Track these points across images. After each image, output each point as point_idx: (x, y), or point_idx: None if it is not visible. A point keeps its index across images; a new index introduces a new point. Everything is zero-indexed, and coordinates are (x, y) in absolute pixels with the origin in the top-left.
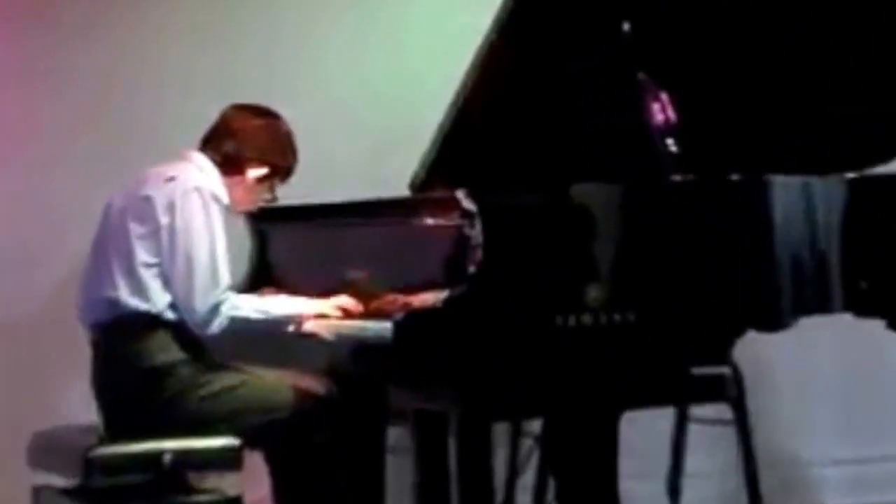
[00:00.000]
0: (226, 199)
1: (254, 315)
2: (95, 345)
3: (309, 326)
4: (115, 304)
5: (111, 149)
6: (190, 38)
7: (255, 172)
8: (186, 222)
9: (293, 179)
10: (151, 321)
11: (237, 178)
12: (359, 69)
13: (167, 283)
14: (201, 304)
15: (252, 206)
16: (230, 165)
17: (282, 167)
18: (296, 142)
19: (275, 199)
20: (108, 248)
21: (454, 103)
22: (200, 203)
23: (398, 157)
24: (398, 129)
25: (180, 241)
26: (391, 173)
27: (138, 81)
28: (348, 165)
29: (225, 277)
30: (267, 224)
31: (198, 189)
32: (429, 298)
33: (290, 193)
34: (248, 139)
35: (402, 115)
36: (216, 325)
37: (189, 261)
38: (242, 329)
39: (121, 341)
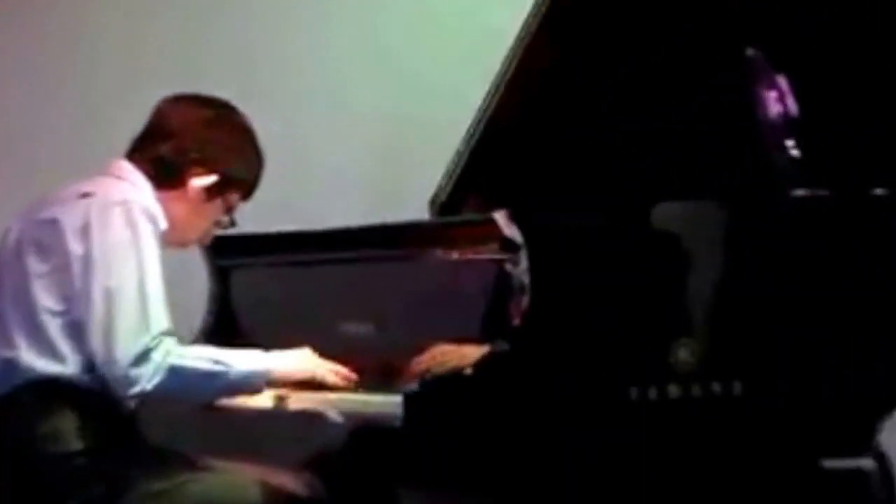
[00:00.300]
0: (163, 222)
1: (204, 366)
2: None
3: (298, 402)
4: (11, 367)
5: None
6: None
7: (199, 182)
8: (106, 247)
9: (267, 197)
10: (61, 390)
11: (176, 192)
12: (367, 61)
13: (81, 334)
14: (124, 352)
15: (200, 235)
16: (167, 175)
17: (237, 176)
18: (259, 144)
19: (231, 222)
20: (2, 292)
21: (487, 102)
22: (124, 220)
23: (414, 168)
24: (414, 134)
25: (98, 272)
26: (404, 189)
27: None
28: (348, 179)
29: (159, 319)
30: (230, 258)
31: (123, 203)
32: (454, 360)
33: (265, 217)
34: (189, 138)
35: (420, 118)
36: (146, 380)
37: (109, 296)
38: (185, 391)
39: (19, 419)
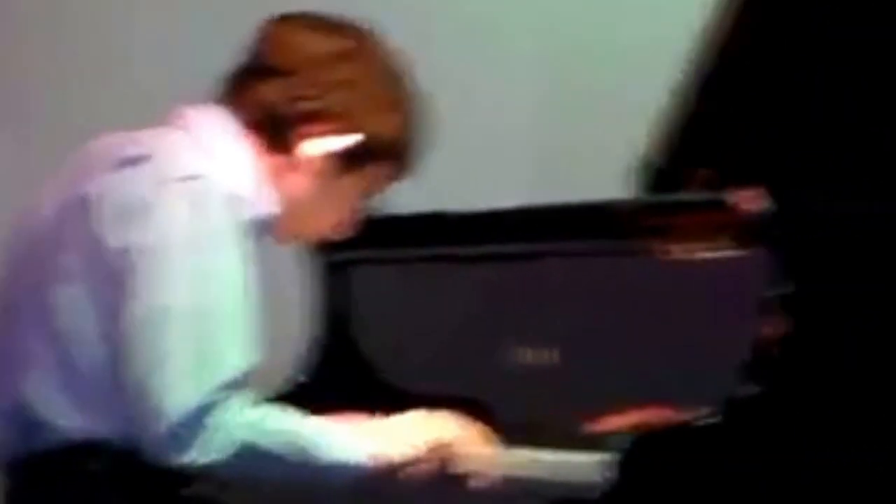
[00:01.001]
0: (262, 206)
1: (282, 449)
2: (6, 491)
3: (461, 464)
4: (27, 422)
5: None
6: None
7: (315, 146)
8: (156, 245)
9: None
10: (88, 455)
11: (287, 159)
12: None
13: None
14: (169, 404)
15: (325, 225)
16: (273, 132)
17: (380, 140)
18: (417, 94)
19: (376, 207)
20: (19, 304)
21: (712, 37)
22: (188, 205)
23: (600, 134)
24: (601, 92)
25: (142, 281)
26: (583, 158)
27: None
28: (510, 146)
29: (232, 361)
30: (348, 251)
31: (189, 178)
32: (676, 404)
33: (400, 195)
34: (305, 78)
35: (605, 70)
36: (197, 449)
37: (155, 319)
38: (247, 472)
39: (33, 494)
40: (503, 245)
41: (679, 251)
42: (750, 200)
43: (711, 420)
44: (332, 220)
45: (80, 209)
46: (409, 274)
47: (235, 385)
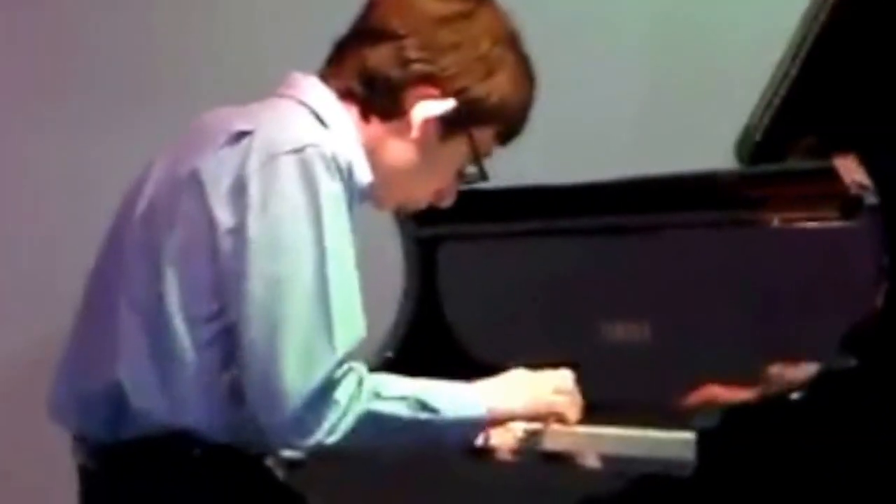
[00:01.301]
0: (365, 175)
1: (407, 413)
2: (83, 476)
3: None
4: (117, 407)
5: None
6: None
7: (428, 109)
8: (270, 218)
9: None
10: (176, 444)
11: (394, 124)
12: None
13: (230, 356)
14: (294, 383)
15: (430, 192)
16: (380, 97)
17: (489, 102)
18: (528, 57)
19: (482, 176)
20: (118, 285)
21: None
22: (298, 175)
23: (697, 106)
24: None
25: (256, 256)
26: (692, 132)
27: None
28: (610, 119)
29: (350, 332)
30: (439, 226)
31: (297, 149)
32: (772, 378)
33: (493, 168)
34: (417, 40)
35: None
36: (325, 430)
37: (273, 293)
38: (374, 445)
39: (128, 482)
40: (597, 218)
41: (782, 221)
42: (852, 169)
43: (804, 395)
44: (435, 186)
45: (192, 186)
46: (497, 249)
47: (352, 355)
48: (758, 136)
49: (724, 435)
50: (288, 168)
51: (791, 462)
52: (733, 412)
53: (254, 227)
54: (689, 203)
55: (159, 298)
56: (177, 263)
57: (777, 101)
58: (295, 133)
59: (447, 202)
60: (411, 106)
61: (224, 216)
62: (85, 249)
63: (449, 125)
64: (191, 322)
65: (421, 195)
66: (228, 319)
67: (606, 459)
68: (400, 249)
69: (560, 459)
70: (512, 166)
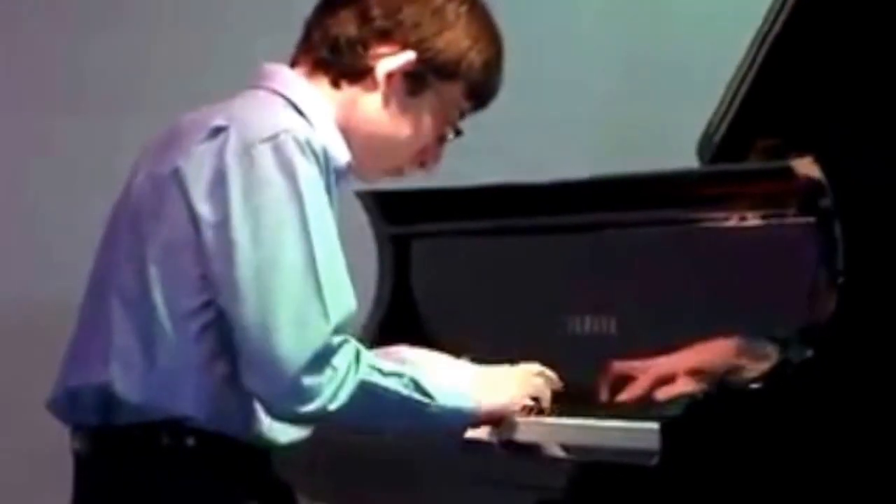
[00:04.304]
0: (342, 154)
1: (403, 390)
2: (77, 461)
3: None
4: (106, 399)
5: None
6: None
7: (390, 63)
8: (251, 206)
9: (468, 140)
10: (177, 437)
11: (363, 86)
12: None
13: (225, 345)
14: (291, 352)
15: (409, 154)
16: (347, 61)
17: (452, 55)
18: (490, 14)
19: (456, 132)
20: (111, 279)
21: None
22: (275, 162)
23: (667, 105)
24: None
25: (242, 243)
26: (658, 132)
27: None
28: (577, 117)
29: (342, 304)
30: (410, 224)
31: (271, 137)
32: (734, 369)
33: (463, 166)
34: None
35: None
36: (328, 396)
37: (262, 275)
38: (368, 420)
39: (117, 468)
40: (564, 216)
41: (740, 219)
42: (807, 168)
43: (763, 385)
44: (414, 146)
45: (173, 184)
46: (468, 246)
47: (346, 328)
48: (717, 138)
49: (686, 425)
50: (265, 156)
51: (751, 450)
52: (695, 403)
53: (237, 218)
54: (650, 201)
55: (148, 295)
56: (163, 260)
57: (736, 104)
58: (269, 122)
59: (431, 166)
60: (375, 62)
61: (206, 211)
62: (85, 250)
63: (414, 80)
64: (180, 316)
65: (403, 159)
66: (218, 310)
67: (572, 449)
68: (374, 246)
69: (526, 450)
70: (484, 166)
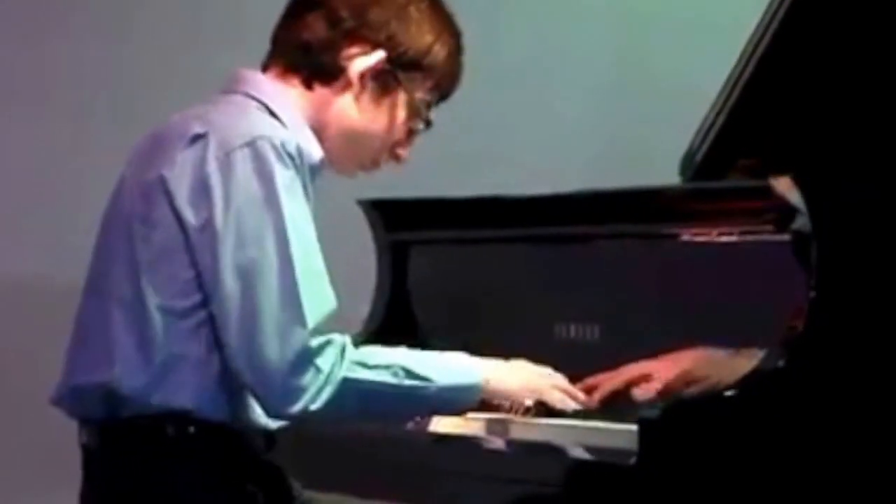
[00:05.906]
0: (316, 152)
1: (392, 380)
2: (86, 454)
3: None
4: (109, 396)
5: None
6: None
7: (361, 63)
8: (232, 210)
9: (461, 154)
10: (181, 428)
11: (335, 87)
12: None
13: (215, 342)
14: (274, 355)
15: (380, 149)
16: (318, 64)
17: (417, 51)
18: (450, 12)
19: (427, 123)
20: (107, 283)
21: (757, 37)
22: (252, 167)
23: (652, 126)
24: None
25: (224, 247)
26: (641, 151)
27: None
28: (566, 131)
29: (320, 304)
30: (408, 231)
31: (247, 144)
32: (709, 376)
33: (456, 178)
34: (342, 2)
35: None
36: (310, 396)
37: (244, 278)
38: (364, 412)
39: (124, 459)
40: (554, 228)
41: (719, 234)
42: (785, 188)
43: (737, 391)
44: (386, 140)
45: (159, 192)
46: (462, 254)
47: (326, 327)
48: (699, 157)
49: (664, 427)
50: (243, 161)
51: (725, 452)
52: (673, 406)
53: (220, 222)
54: (635, 215)
55: (142, 297)
56: (155, 265)
57: (717, 126)
58: (245, 127)
59: (403, 159)
60: (347, 63)
61: (191, 216)
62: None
63: (385, 77)
64: (174, 315)
65: (376, 153)
66: (210, 308)
67: (555, 449)
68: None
69: (509, 448)
70: (477, 179)
